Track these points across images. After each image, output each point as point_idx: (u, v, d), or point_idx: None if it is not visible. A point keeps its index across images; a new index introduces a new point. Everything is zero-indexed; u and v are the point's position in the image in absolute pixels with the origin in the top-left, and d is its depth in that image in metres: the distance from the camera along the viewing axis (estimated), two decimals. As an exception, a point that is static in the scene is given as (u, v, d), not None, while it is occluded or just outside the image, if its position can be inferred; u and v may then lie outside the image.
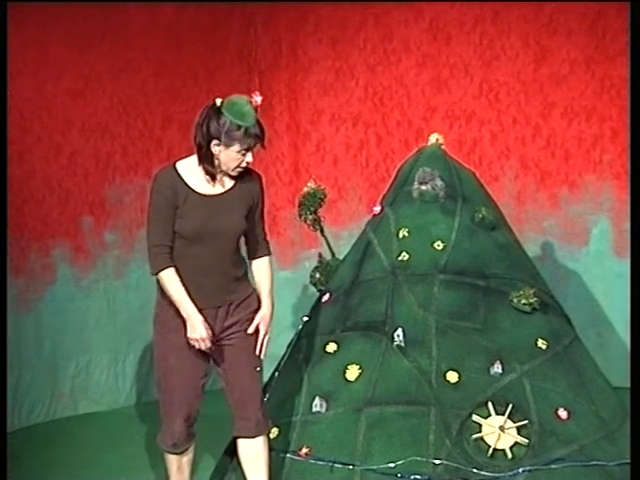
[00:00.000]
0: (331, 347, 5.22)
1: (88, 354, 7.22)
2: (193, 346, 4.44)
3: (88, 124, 7.17)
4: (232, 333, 4.56)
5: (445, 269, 5.35)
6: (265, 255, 4.71)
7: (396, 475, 4.72)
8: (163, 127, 7.63)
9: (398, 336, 5.13)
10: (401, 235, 5.47)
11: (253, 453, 4.68)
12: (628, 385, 7.37)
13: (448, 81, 8.07)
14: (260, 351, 4.58)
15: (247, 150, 4.33)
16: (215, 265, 4.46)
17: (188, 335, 4.41)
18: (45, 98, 6.91)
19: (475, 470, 4.72)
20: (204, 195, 4.41)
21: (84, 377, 7.21)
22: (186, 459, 4.80)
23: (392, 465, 4.73)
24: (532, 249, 7.27)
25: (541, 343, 5.18)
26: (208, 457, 5.81)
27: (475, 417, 4.87)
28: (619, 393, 5.57)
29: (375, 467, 4.75)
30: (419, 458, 4.76)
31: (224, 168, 4.38)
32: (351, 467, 4.80)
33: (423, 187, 5.61)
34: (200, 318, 4.39)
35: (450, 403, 4.91)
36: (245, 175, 4.50)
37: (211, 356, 4.59)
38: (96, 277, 7.27)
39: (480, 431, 4.85)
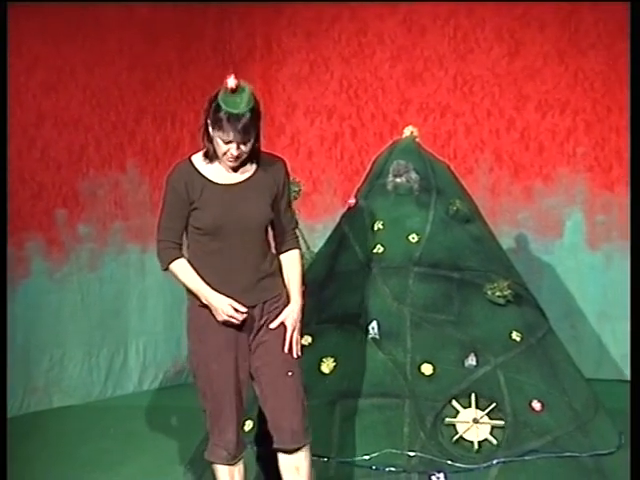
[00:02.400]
0: (306, 340, 5.19)
1: (62, 347, 7.20)
2: (234, 348, 4.20)
3: (61, 117, 7.15)
4: (265, 334, 4.27)
5: (420, 262, 5.35)
6: (294, 248, 4.41)
7: (371, 467, 4.72)
8: (137, 120, 7.62)
9: (373, 329, 5.12)
10: (376, 228, 5.47)
11: (293, 465, 4.32)
12: (601, 377, 7.47)
13: (422, 74, 8.10)
14: (290, 350, 4.26)
15: (230, 141, 4.01)
16: (243, 260, 4.20)
17: (217, 319, 4.16)
18: (18, 91, 6.87)
19: (449, 462, 4.73)
20: (222, 185, 4.17)
21: (58, 370, 7.19)
22: (237, 469, 4.37)
23: (367, 457, 4.73)
24: (506, 242, 7.31)
25: (515, 335, 5.19)
26: (181, 452, 5.80)
27: (449, 409, 4.88)
28: (592, 385, 5.60)
29: (350, 459, 4.75)
30: (394, 450, 4.75)
31: (218, 154, 4.10)
32: (326, 459, 4.79)
33: (398, 180, 5.61)
34: (220, 297, 4.13)
35: (424, 395, 4.91)
36: (268, 160, 4.27)
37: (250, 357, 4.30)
38: (70, 270, 7.25)
39: (456, 430, 4.85)
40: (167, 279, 7.77)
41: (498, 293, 5.28)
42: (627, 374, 7.86)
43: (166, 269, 4.28)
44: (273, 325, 4.26)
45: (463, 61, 8.04)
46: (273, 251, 4.40)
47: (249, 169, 4.22)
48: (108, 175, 7.43)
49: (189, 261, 4.24)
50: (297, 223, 4.53)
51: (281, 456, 4.33)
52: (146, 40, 7.59)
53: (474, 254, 5.49)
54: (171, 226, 4.22)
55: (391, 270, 5.33)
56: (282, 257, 4.39)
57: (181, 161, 4.29)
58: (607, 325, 7.98)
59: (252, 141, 4.09)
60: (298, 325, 4.31)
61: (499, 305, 5.28)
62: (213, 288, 4.18)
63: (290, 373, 4.27)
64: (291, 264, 4.38)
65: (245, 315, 4.16)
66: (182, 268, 4.22)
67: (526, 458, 4.78)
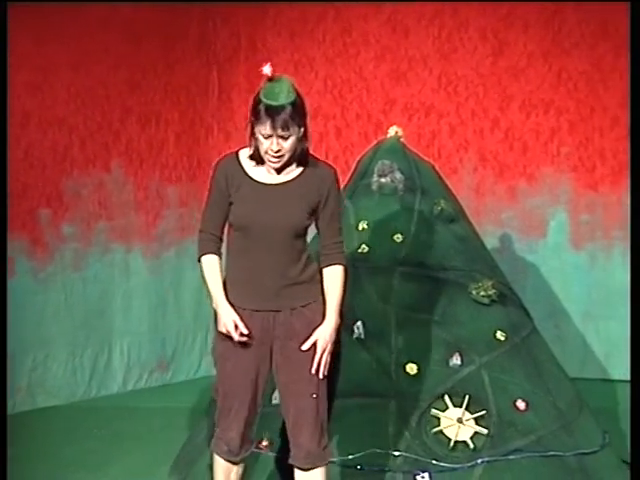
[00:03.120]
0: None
1: (46, 347, 7.18)
2: (253, 351, 4.07)
3: (45, 117, 7.13)
4: (292, 347, 4.07)
5: (404, 261, 5.35)
6: (336, 264, 4.12)
7: (356, 467, 4.72)
8: (122, 119, 7.61)
9: (358, 328, 5.12)
10: (361, 227, 5.47)
11: None
12: (585, 376, 7.50)
13: (407, 74, 8.11)
14: (317, 371, 4.05)
15: (269, 135, 3.86)
16: (270, 263, 4.02)
17: (217, 328, 4.05)
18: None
19: (434, 461, 4.73)
20: (260, 183, 4.02)
21: (42, 370, 7.17)
22: (235, 470, 4.28)
23: (351, 457, 4.74)
24: (490, 241, 7.32)
25: (499, 335, 5.19)
26: (166, 452, 5.78)
27: (434, 409, 4.89)
28: (576, 384, 5.62)
29: (335, 459, 4.73)
30: (378, 450, 4.75)
31: (262, 153, 3.95)
32: (311, 459, 4.79)
33: (382, 180, 5.61)
34: (229, 310, 4.01)
35: (409, 395, 4.92)
36: (316, 166, 4.08)
37: (273, 362, 4.14)
38: (54, 270, 7.23)
39: (439, 423, 4.86)
40: (151, 279, 7.86)
41: (482, 293, 5.29)
42: (611, 373, 7.91)
43: (198, 260, 4.14)
44: (305, 346, 4.03)
45: (447, 61, 8.06)
46: (310, 260, 4.15)
47: (293, 172, 4.06)
48: (92, 175, 7.42)
49: (226, 256, 4.12)
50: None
51: (297, 471, 4.22)
52: (130, 40, 7.58)
53: (458, 254, 5.50)
54: (211, 217, 4.10)
55: (376, 270, 5.33)
56: (324, 271, 4.15)
57: (228, 153, 4.17)
58: (591, 325, 8.01)
59: (294, 138, 3.93)
60: (329, 347, 4.07)
61: (483, 305, 5.29)
62: (238, 286, 4.08)
63: (314, 395, 4.10)
64: (331, 280, 4.13)
65: (244, 339, 4.02)
66: (209, 265, 4.09)
67: (510, 457, 4.79)
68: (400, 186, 5.60)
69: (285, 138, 3.89)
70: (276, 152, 3.91)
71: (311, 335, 4.05)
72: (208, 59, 8.25)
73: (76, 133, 7.31)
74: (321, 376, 4.08)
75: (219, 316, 4.04)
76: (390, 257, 5.36)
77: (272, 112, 3.84)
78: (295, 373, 4.10)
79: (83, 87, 7.31)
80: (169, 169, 8.00)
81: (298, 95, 3.95)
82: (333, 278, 4.13)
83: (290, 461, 4.21)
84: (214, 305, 4.07)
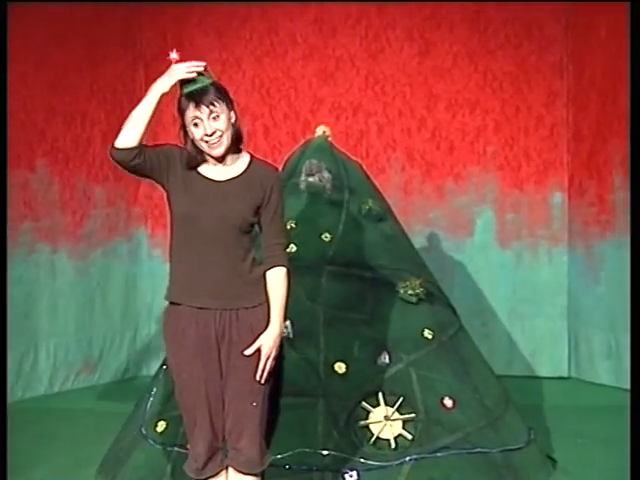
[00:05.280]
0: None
1: (-30, 350, 7.08)
2: (201, 359, 3.98)
3: (-32, 116, 7.03)
4: (234, 353, 3.97)
5: (332, 260, 5.37)
6: (278, 265, 4.03)
7: (284, 466, 4.72)
8: (47, 119, 7.53)
9: (286, 328, 5.11)
10: (288, 227, 5.46)
11: None
12: (511, 373, 7.58)
13: (334, 73, 8.15)
14: (261, 377, 3.96)
15: (198, 118, 3.86)
16: (217, 258, 3.94)
17: (185, 77, 3.87)
18: None
19: (362, 460, 4.75)
20: (206, 178, 3.97)
21: (-34, 373, 7.07)
22: None
23: (280, 456, 4.72)
24: (418, 240, 7.37)
25: (427, 333, 5.23)
26: (93, 454, 5.72)
27: (362, 408, 4.90)
28: (502, 381, 5.67)
29: (263, 459, 4.74)
30: (307, 449, 4.75)
31: (198, 145, 3.92)
32: (239, 459, 4.78)
33: (310, 179, 5.62)
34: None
35: (338, 394, 4.92)
36: (259, 165, 4.06)
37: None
38: (-22, 271, 7.13)
39: (367, 422, 4.87)
40: (78, 279, 7.78)
41: (410, 291, 5.31)
42: (536, 370, 8.01)
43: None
44: (248, 352, 3.92)
45: (374, 61, 8.11)
46: (256, 260, 4.07)
47: (237, 169, 4.04)
48: (17, 175, 7.32)
49: (170, 254, 4.06)
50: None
51: (231, 471, 4.13)
52: (54, 38, 7.50)
53: (386, 253, 5.53)
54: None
55: (304, 269, 5.32)
56: (267, 274, 4.04)
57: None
58: (517, 322, 8.11)
59: (225, 118, 3.92)
60: (273, 353, 3.97)
61: (411, 303, 5.32)
62: (184, 282, 4.00)
63: (254, 404, 4.02)
64: (275, 284, 4.04)
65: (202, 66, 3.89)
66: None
67: (438, 455, 4.82)
68: (328, 185, 5.61)
69: (215, 117, 3.90)
70: (211, 134, 3.90)
71: (255, 341, 3.95)
72: (134, 58, 8.19)
73: (-1, 132, 7.22)
74: (263, 381, 3.99)
75: (169, 77, 3.89)
76: (318, 256, 5.37)
77: (193, 96, 3.87)
78: (236, 380, 4.00)
79: (6, 86, 7.23)
80: (96, 169, 7.94)
81: (219, 81, 3.97)
82: (276, 281, 4.04)
83: (228, 462, 4.12)
84: (162, 89, 3.90)
